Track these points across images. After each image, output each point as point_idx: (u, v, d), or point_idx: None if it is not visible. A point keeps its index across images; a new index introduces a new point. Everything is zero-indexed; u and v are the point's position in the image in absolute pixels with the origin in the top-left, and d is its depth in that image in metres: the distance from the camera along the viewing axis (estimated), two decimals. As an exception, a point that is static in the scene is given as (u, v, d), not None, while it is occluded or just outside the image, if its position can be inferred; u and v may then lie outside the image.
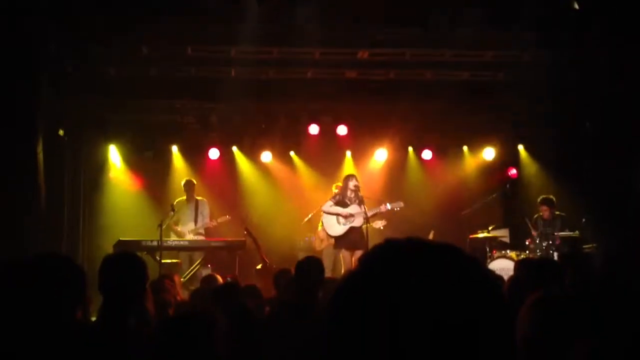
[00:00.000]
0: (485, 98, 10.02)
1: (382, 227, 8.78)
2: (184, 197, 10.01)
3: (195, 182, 10.21)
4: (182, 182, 10.18)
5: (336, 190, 9.69)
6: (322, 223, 9.87)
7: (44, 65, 8.08)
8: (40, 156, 7.93)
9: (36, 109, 7.89)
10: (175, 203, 9.58)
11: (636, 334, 1.91)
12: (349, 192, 8.77)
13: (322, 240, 10.02)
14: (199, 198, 10.10)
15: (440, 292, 0.83)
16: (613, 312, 2.68)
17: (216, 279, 5.93)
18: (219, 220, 9.84)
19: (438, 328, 0.81)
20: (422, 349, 0.81)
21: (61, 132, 9.32)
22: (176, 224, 9.83)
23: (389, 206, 8.66)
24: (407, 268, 0.86)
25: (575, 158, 10.19)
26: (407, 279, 0.84)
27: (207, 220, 9.95)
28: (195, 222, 9.88)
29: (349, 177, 8.99)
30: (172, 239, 9.53)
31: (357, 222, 8.62)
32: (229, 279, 6.49)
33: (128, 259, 3.07)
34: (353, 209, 8.69)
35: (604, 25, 7.40)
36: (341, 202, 8.82)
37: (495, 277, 0.95)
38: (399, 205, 8.73)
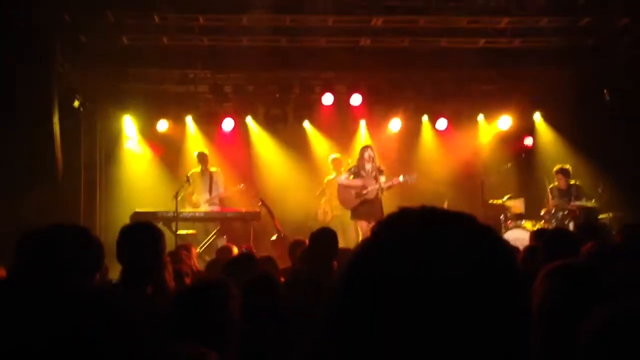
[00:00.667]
0: (501, 66, 9.88)
1: (413, 181, 8.67)
2: (199, 169, 10.04)
3: (207, 153, 10.24)
4: (195, 154, 10.21)
5: (333, 158, 10.11)
6: (326, 196, 9.97)
7: (59, 35, 8.07)
8: (57, 127, 7.98)
9: (51, 80, 7.91)
10: (190, 174, 9.62)
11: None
12: (365, 163, 8.76)
13: (325, 213, 10.07)
14: (212, 169, 10.14)
15: (454, 261, 0.82)
16: (629, 282, 2.66)
17: (231, 250, 5.98)
18: (233, 189, 9.92)
19: (451, 298, 0.80)
20: (434, 319, 0.80)
21: (76, 103, 9.35)
22: (191, 194, 9.89)
23: (401, 178, 8.63)
24: (420, 237, 0.85)
25: (592, 126, 10.07)
26: (420, 248, 0.83)
27: (221, 190, 10.01)
28: (210, 192, 9.94)
29: (364, 148, 8.97)
30: (188, 210, 9.59)
31: (371, 194, 8.61)
32: (244, 249, 6.53)
33: (146, 229, 3.10)
34: (368, 181, 8.68)
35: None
36: (357, 173, 8.80)
37: (510, 247, 0.93)
38: (412, 178, 8.69)
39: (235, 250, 6.03)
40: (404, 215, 0.90)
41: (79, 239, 2.56)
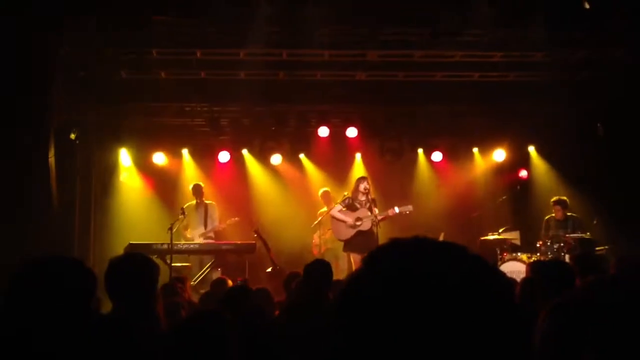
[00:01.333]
0: (495, 99, 9.98)
1: (409, 212, 8.71)
2: (194, 202, 10.03)
3: (202, 185, 10.24)
4: (190, 187, 10.21)
5: (323, 191, 10.15)
6: (317, 231, 9.95)
7: (57, 69, 8.13)
8: (52, 160, 7.98)
9: (48, 113, 7.95)
10: (185, 207, 9.60)
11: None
12: (359, 195, 8.78)
13: (318, 246, 10.04)
14: (208, 202, 10.12)
15: (446, 291, 0.82)
16: (626, 315, 2.65)
17: (226, 282, 5.94)
18: (228, 222, 9.86)
19: (444, 328, 0.80)
20: (428, 349, 0.79)
21: (73, 136, 9.37)
22: (185, 228, 9.84)
23: (397, 210, 8.66)
24: (412, 267, 0.84)
25: (586, 159, 10.13)
26: (412, 278, 0.83)
27: (216, 223, 9.97)
28: (205, 225, 9.90)
29: (360, 179, 9.01)
30: (182, 242, 9.55)
31: (365, 225, 8.62)
32: (239, 281, 6.49)
33: (137, 261, 3.06)
34: (362, 212, 8.69)
35: (615, 25, 7.35)
36: (351, 205, 8.81)
37: (504, 277, 0.93)
38: (408, 209, 8.73)
39: (230, 282, 5.99)
40: (395, 246, 0.90)
41: (73, 271, 2.54)
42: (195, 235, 9.84)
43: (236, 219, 9.88)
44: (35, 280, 2.42)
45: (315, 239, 10.16)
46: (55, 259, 2.58)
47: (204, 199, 10.10)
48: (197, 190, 10.11)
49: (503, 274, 0.93)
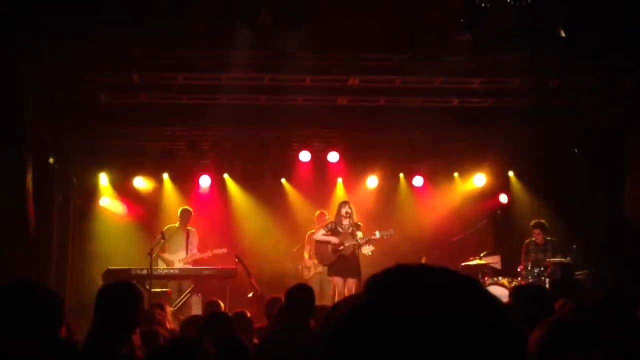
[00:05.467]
0: (475, 124, 10.09)
1: (370, 253, 8.76)
2: (176, 224, 9.87)
3: (192, 212, 10.08)
4: (179, 210, 10.00)
5: (318, 213, 10.04)
6: (307, 252, 9.89)
7: (35, 93, 8.07)
8: (30, 184, 7.89)
9: (25, 137, 7.87)
10: (165, 229, 9.48)
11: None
12: (342, 219, 8.80)
13: (309, 269, 9.98)
14: (189, 228, 9.98)
15: (458, 317, 0.81)
16: (607, 338, 2.65)
17: (219, 305, 5.92)
18: (214, 251, 9.64)
19: (459, 354, 0.79)
20: None
21: (51, 160, 9.28)
22: (163, 251, 9.65)
23: (378, 234, 8.69)
24: (421, 293, 0.82)
25: (563, 184, 10.25)
26: (423, 304, 0.81)
27: (195, 251, 9.81)
28: (186, 251, 9.77)
29: (342, 203, 9.04)
30: (162, 268, 9.41)
31: (347, 250, 8.61)
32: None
33: (128, 289, 3.05)
34: (344, 237, 8.69)
35: (591, 51, 7.51)
36: (334, 230, 8.81)
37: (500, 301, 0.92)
38: (389, 233, 8.77)
39: (222, 305, 5.97)
40: (399, 272, 0.87)
41: (35, 294, 2.50)
42: (175, 260, 9.69)
43: (224, 250, 9.66)
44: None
45: (306, 260, 10.04)
46: (17, 285, 2.53)
47: (188, 224, 9.95)
48: (186, 215, 9.91)
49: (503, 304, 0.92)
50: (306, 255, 10.09)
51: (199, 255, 9.72)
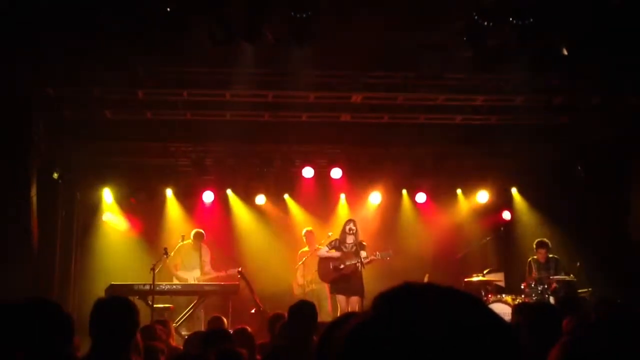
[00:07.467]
0: (478, 141, 10.10)
1: (389, 258, 8.76)
2: (189, 241, 9.91)
3: (204, 234, 10.07)
4: (192, 232, 10.00)
5: (306, 231, 10.11)
6: (299, 270, 9.87)
7: (40, 109, 8.13)
8: (34, 199, 7.92)
9: (30, 153, 7.91)
10: (178, 247, 9.51)
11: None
12: (346, 237, 8.84)
13: (301, 287, 9.95)
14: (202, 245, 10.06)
15: (467, 332, 0.81)
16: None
17: (222, 321, 5.90)
18: (229, 271, 9.53)
19: None
20: None
21: (55, 175, 9.31)
22: (176, 268, 9.70)
23: (378, 255, 8.73)
24: (429, 310, 0.83)
25: (567, 201, 10.23)
26: (431, 320, 0.81)
27: (209, 267, 9.84)
28: (201, 267, 9.79)
29: (347, 221, 9.16)
30: (165, 283, 9.39)
31: (348, 269, 8.65)
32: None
33: (120, 304, 3.03)
34: (347, 255, 8.73)
35: (594, 69, 7.54)
36: (338, 248, 8.86)
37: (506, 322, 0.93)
38: (388, 254, 8.79)
39: (226, 321, 5.96)
40: (407, 290, 0.88)
41: (50, 314, 2.51)
42: (190, 277, 9.71)
43: (238, 269, 9.54)
44: (7, 325, 2.37)
45: (299, 278, 10.05)
46: (30, 303, 2.54)
47: (201, 244, 9.99)
48: (199, 237, 9.98)
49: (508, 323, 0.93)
50: (298, 274, 10.06)
51: (214, 274, 9.72)
